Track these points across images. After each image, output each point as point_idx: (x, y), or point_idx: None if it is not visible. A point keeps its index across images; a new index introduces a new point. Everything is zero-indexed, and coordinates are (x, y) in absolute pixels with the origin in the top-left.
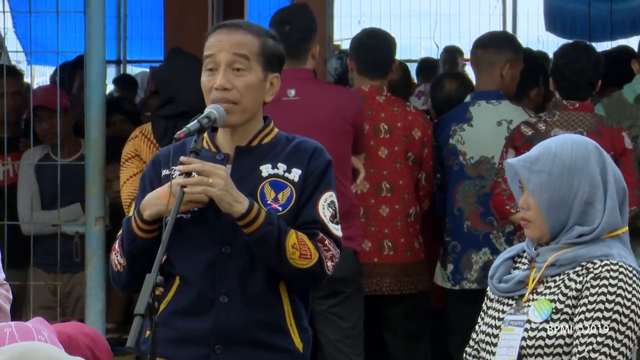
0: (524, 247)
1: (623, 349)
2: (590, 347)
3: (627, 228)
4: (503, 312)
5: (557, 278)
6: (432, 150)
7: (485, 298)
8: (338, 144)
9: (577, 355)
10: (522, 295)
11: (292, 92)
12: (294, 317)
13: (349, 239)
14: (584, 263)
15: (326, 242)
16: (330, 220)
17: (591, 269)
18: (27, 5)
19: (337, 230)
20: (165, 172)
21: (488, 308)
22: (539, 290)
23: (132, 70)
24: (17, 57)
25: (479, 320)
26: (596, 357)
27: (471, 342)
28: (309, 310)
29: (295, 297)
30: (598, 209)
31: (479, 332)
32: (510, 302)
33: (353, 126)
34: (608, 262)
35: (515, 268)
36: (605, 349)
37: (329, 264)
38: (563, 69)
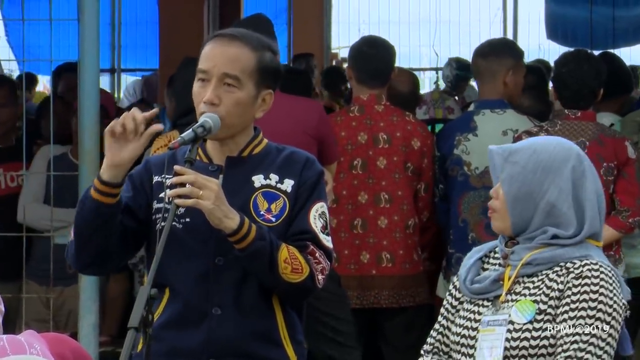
0: (491, 246)
1: (607, 347)
2: (576, 346)
3: (602, 244)
4: (479, 313)
5: (535, 279)
6: (431, 160)
7: (449, 297)
8: None
9: (563, 354)
10: (497, 296)
11: None
12: (288, 329)
13: None
14: (562, 263)
15: (316, 254)
16: (321, 231)
17: (571, 269)
18: (19, 13)
19: (327, 241)
20: (157, 178)
21: (455, 309)
22: (516, 290)
23: (127, 78)
24: (9, 65)
25: (443, 321)
26: (582, 356)
27: (430, 340)
28: (303, 323)
29: (289, 309)
30: (569, 215)
31: (447, 334)
32: (485, 303)
33: (315, 138)
34: (588, 262)
35: (484, 268)
36: (591, 348)
37: (320, 277)
38: (565, 77)
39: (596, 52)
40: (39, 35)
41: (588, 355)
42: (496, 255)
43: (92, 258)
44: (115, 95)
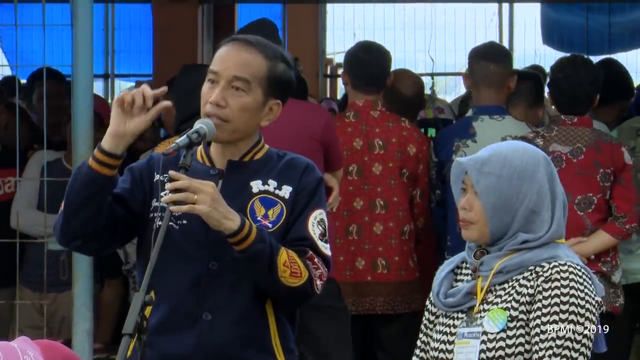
0: (462, 257)
1: (583, 349)
2: (551, 352)
3: (564, 240)
4: (454, 326)
5: (506, 285)
6: (427, 166)
7: (427, 313)
8: None
9: (540, 353)
10: (471, 307)
11: None
12: (280, 337)
13: None
14: (531, 267)
15: (315, 260)
16: (320, 238)
17: (540, 273)
18: (12, 18)
19: (326, 248)
20: (158, 177)
21: (433, 324)
22: (489, 299)
23: (120, 84)
24: (2, 71)
25: (423, 337)
26: (560, 352)
27: (415, 359)
28: (295, 331)
29: (282, 317)
30: (544, 218)
31: (427, 349)
32: (460, 315)
33: (321, 143)
34: (557, 264)
35: (457, 280)
36: (566, 352)
37: (318, 282)
38: (561, 83)
39: (592, 57)
40: (32, 40)
41: (566, 351)
42: (468, 266)
43: (79, 230)
44: (109, 101)
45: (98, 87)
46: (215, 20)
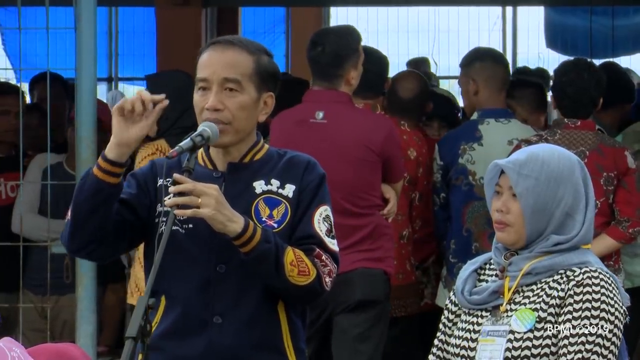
0: (486, 258)
1: (612, 347)
2: (580, 356)
3: (590, 245)
4: (478, 324)
5: (534, 287)
6: (426, 170)
7: (446, 312)
8: (360, 172)
9: (569, 355)
10: (496, 306)
11: (321, 115)
12: (292, 338)
13: (377, 260)
14: (561, 271)
15: (323, 257)
16: (327, 235)
17: (571, 277)
18: (16, 21)
19: (333, 244)
20: (161, 181)
21: (452, 322)
22: (516, 300)
23: (124, 87)
24: (6, 74)
25: (441, 336)
26: (589, 357)
27: (432, 357)
28: (305, 330)
29: (294, 317)
30: (577, 220)
31: (445, 347)
32: (484, 313)
33: (380, 155)
34: (588, 270)
35: (480, 280)
36: (597, 348)
37: (327, 279)
38: (564, 87)
39: (596, 61)
40: (36, 44)
41: (594, 356)
42: (492, 267)
43: (87, 239)
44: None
45: (101, 91)
46: (219, 24)
